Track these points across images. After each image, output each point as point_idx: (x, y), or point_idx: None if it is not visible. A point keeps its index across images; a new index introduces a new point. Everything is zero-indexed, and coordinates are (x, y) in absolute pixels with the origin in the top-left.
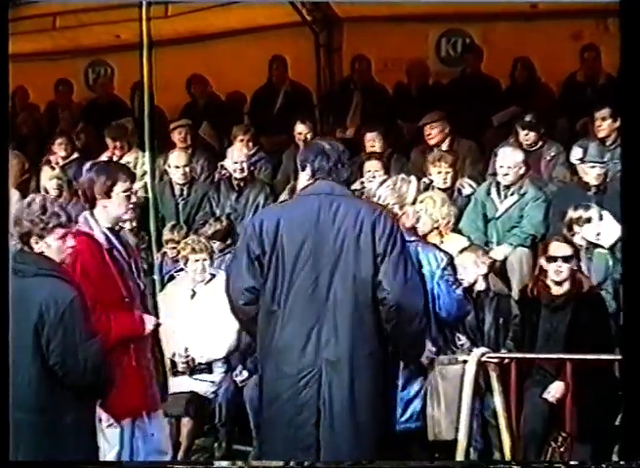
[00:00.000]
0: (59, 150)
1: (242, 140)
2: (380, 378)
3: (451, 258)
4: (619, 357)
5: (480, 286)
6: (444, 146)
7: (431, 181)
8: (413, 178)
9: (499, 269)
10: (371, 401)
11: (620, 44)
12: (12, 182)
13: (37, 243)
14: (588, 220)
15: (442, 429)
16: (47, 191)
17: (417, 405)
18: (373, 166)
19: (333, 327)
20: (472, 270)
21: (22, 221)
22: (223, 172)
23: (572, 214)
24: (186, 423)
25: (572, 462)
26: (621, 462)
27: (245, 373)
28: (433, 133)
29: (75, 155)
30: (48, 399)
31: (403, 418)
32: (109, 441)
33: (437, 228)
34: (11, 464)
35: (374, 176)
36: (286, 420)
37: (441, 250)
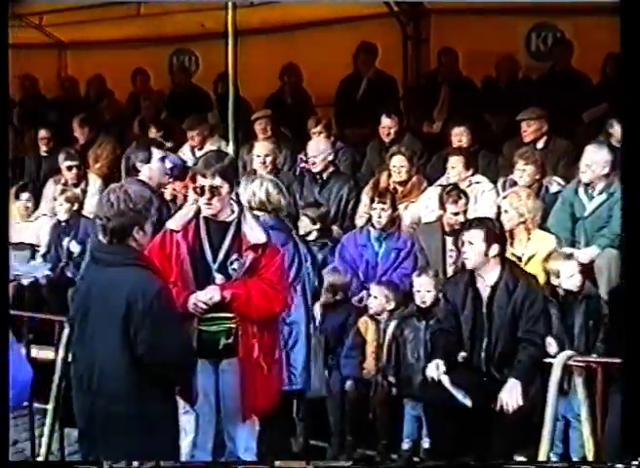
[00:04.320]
0: None
1: (324, 131)
2: None
3: None
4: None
5: (571, 286)
6: (540, 144)
7: (515, 183)
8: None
9: (585, 271)
10: None
11: (620, 44)
12: (101, 169)
13: (138, 233)
14: None
15: None
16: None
17: None
18: (455, 161)
19: None
20: (566, 274)
21: (128, 212)
22: (303, 164)
23: None
24: None
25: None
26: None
27: None
28: (529, 130)
29: None
30: (136, 389)
31: None
32: (185, 428)
33: (524, 222)
34: (11, 464)
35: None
36: None
37: None
